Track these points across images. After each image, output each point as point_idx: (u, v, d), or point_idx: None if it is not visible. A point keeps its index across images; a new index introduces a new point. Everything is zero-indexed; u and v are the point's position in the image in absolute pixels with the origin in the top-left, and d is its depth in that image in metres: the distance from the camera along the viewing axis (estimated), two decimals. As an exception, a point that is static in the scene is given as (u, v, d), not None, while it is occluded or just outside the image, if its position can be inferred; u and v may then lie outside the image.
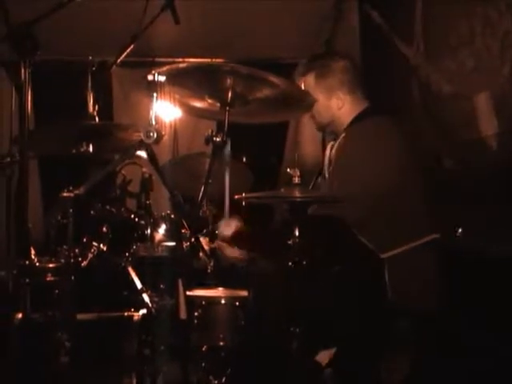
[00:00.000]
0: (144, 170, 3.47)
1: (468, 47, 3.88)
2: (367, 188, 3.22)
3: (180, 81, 2.98)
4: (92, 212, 3.39)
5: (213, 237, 3.41)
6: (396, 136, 3.45)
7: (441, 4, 4.18)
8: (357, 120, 3.52)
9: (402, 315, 3.21)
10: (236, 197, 3.12)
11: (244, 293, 3.11)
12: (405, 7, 4.46)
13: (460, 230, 3.34)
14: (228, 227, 3.47)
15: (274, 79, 2.98)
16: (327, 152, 3.74)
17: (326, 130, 3.78)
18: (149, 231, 3.28)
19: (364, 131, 3.45)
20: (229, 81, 2.96)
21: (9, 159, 3.36)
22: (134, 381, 2.99)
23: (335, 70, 3.56)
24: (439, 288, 3.31)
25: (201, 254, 3.20)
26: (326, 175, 3.64)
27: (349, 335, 3.14)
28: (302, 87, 3.52)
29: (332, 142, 3.75)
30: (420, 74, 4.39)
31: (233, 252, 3.67)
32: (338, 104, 3.54)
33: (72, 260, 2.72)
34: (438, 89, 4.19)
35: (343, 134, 3.46)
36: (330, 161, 3.68)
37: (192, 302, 3.04)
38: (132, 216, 3.39)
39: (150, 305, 3.05)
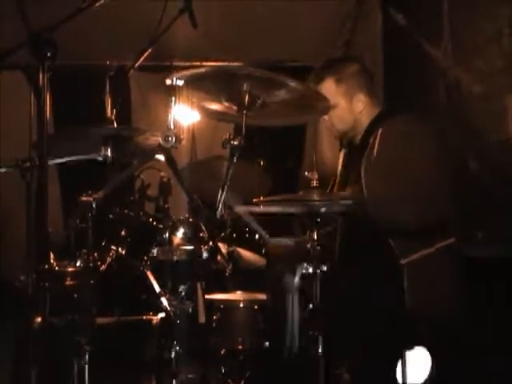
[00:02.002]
0: (162, 173, 3.47)
1: (496, 47, 3.86)
2: (409, 187, 3.23)
3: (198, 84, 2.99)
4: (111, 216, 3.40)
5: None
6: (426, 134, 3.44)
7: (467, 5, 4.17)
8: (387, 114, 3.50)
9: (419, 321, 3.18)
10: (254, 200, 3.12)
11: (263, 296, 3.11)
12: (431, 9, 4.46)
13: (481, 235, 3.31)
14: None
15: (291, 82, 2.98)
16: (340, 158, 3.73)
17: (347, 138, 3.73)
18: (167, 235, 3.28)
19: (398, 129, 3.43)
20: (246, 84, 2.96)
21: (28, 164, 3.37)
22: (154, 384, 3.00)
23: (352, 73, 3.58)
24: (458, 294, 3.29)
25: (219, 257, 3.20)
26: (337, 184, 3.64)
27: (367, 340, 3.12)
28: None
29: (345, 150, 3.73)
30: (449, 76, 4.38)
31: (250, 256, 3.68)
32: (359, 106, 3.54)
33: (91, 264, 2.73)
34: (468, 90, 4.18)
35: (379, 131, 3.39)
36: (344, 168, 3.67)
37: (211, 305, 3.04)
38: (150, 220, 3.40)
39: (169, 308, 3.05)
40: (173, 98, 2.70)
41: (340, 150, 3.78)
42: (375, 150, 3.35)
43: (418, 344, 3.17)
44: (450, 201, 3.33)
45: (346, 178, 3.59)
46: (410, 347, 3.13)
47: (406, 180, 3.26)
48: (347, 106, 3.53)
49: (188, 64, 5.16)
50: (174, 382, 3.00)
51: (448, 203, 3.31)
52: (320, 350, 2.82)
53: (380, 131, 3.37)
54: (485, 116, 4.02)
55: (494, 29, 3.86)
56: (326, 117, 3.55)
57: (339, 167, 3.72)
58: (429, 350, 3.18)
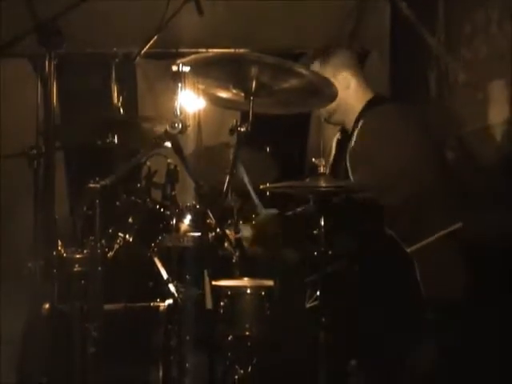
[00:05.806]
0: (169, 160, 3.47)
1: (483, 34, 3.85)
2: (401, 174, 3.22)
3: (205, 71, 2.99)
4: (118, 203, 3.40)
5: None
6: (417, 123, 3.45)
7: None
8: (374, 104, 3.50)
9: (430, 308, 3.17)
10: (261, 187, 3.12)
11: (270, 283, 3.12)
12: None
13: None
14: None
15: (299, 69, 2.97)
16: (334, 144, 3.73)
17: (333, 119, 3.70)
18: (174, 222, 3.29)
19: (391, 115, 3.43)
20: (253, 70, 2.96)
21: (35, 151, 3.38)
22: (161, 371, 3.01)
23: (338, 54, 3.59)
24: (466, 278, 3.29)
25: (226, 244, 3.21)
26: (329, 169, 3.63)
27: (375, 328, 3.12)
28: None
29: (338, 135, 3.72)
30: (440, 65, 4.38)
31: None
32: (344, 83, 3.51)
33: (98, 251, 2.74)
34: (454, 78, 4.18)
35: (365, 118, 3.40)
36: (336, 153, 3.67)
37: (218, 292, 3.05)
38: (157, 207, 3.41)
39: (176, 295, 3.06)
40: (179, 85, 2.69)
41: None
42: (354, 138, 3.36)
43: (426, 331, 3.17)
44: (444, 188, 3.33)
45: (339, 164, 3.59)
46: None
47: (387, 169, 3.25)
48: None
49: (194, 51, 5.15)
50: (181, 368, 3.02)
51: (442, 191, 3.31)
52: (328, 338, 2.82)
53: (362, 120, 3.38)
54: (467, 105, 4.01)
55: (484, 16, 3.84)
56: None
57: (332, 153, 3.71)
58: (437, 336, 3.18)
